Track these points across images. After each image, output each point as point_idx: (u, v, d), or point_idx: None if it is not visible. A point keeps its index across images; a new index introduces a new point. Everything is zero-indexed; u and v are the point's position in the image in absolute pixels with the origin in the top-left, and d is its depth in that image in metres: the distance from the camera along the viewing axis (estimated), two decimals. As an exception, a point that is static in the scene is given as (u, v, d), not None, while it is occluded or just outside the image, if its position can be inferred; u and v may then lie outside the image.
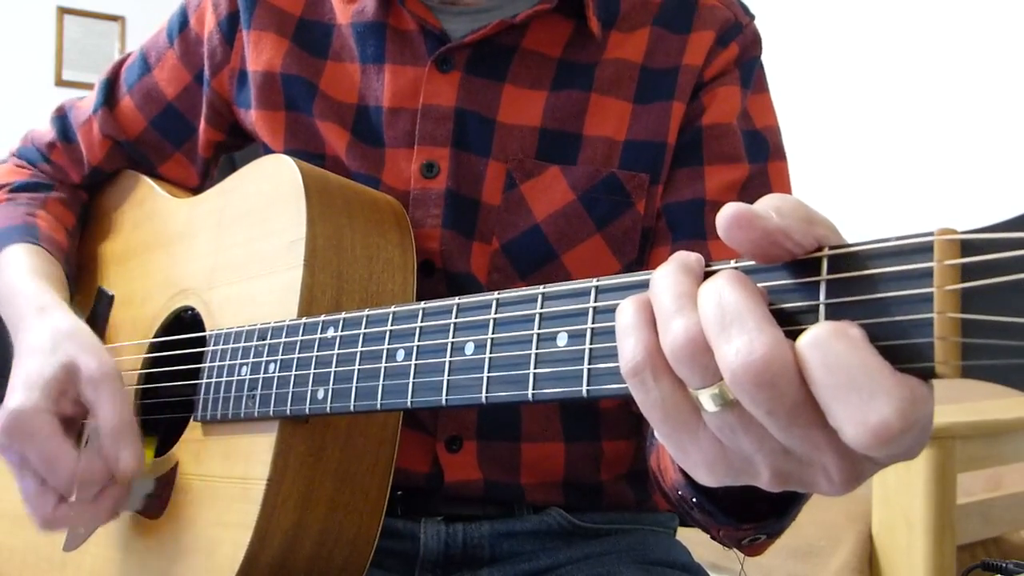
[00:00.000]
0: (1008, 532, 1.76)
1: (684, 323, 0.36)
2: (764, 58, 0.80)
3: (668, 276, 0.38)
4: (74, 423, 0.68)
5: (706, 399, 0.36)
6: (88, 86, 0.92)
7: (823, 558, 1.61)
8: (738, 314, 0.35)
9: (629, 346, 0.38)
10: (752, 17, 0.80)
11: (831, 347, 0.33)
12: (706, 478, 0.40)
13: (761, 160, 0.77)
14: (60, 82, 3.88)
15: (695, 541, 0.87)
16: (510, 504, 0.77)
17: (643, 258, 0.77)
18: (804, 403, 0.34)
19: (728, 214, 0.36)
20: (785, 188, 0.78)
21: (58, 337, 0.70)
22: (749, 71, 0.78)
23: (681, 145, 0.76)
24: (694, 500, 0.55)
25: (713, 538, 0.61)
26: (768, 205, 0.36)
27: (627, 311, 0.39)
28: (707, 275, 0.39)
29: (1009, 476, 1.85)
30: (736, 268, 0.38)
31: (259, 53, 0.80)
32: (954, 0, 2.80)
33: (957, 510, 1.54)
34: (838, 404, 0.33)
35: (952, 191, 2.77)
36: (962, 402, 1.74)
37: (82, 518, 0.66)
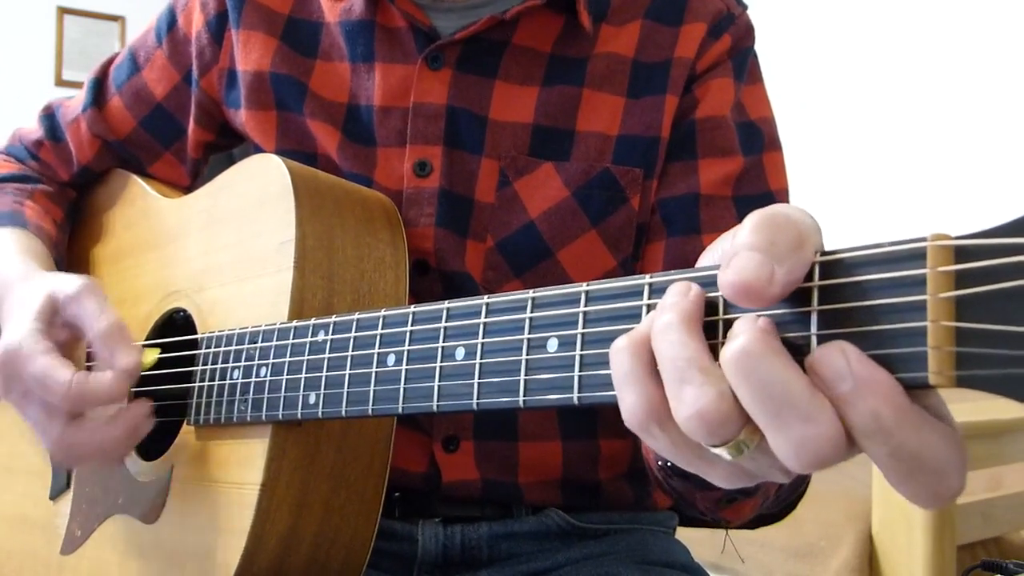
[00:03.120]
0: (1008, 532, 1.75)
1: (695, 397, 0.34)
2: (757, 50, 0.80)
3: (670, 333, 0.36)
4: (75, 347, 0.67)
5: (721, 452, 0.35)
6: (89, 87, 0.92)
7: (823, 558, 1.61)
8: (785, 396, 0.33)
9: (630, 401, 0.37)
10: (744, 7, 0.79)
11: (896, 435, 0.32)
12: (725, 486, 0.39)
13: (756, 152, 0.76)
14: (60, 82, 3.88)
15: (695, 541, 0.87)
16: (508, 504, 0.77)
17: (638, 253, 0.76)
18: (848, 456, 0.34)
19: (734, 291, 0.34)
20: (780, 179, 0.77)
21: (40, 284, 0.69)
22: (742, 62, 0.77)
23: (674, 139, 0.75)
24: (669, 466, 0.55)
25: (699, 513, 0.60)
26: (760, 244, 0.34)
27: (623, 357, 0.37)
28: (708, 306, 0.37)
29: (1009, 476, 1.84)
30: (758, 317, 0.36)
31: (248, 53, 0.80)
32: (952, -2, 2.80)
33: (957, 510, 1.54)
34: (905, 485, 0.33)
35: (947, 193, 2.76)
36: (962, 402, 1.73)
37: (95, 439, 0.64)
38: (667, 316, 0.37)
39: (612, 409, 0.78)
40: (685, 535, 0.86)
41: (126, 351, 0.63)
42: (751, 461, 0.36)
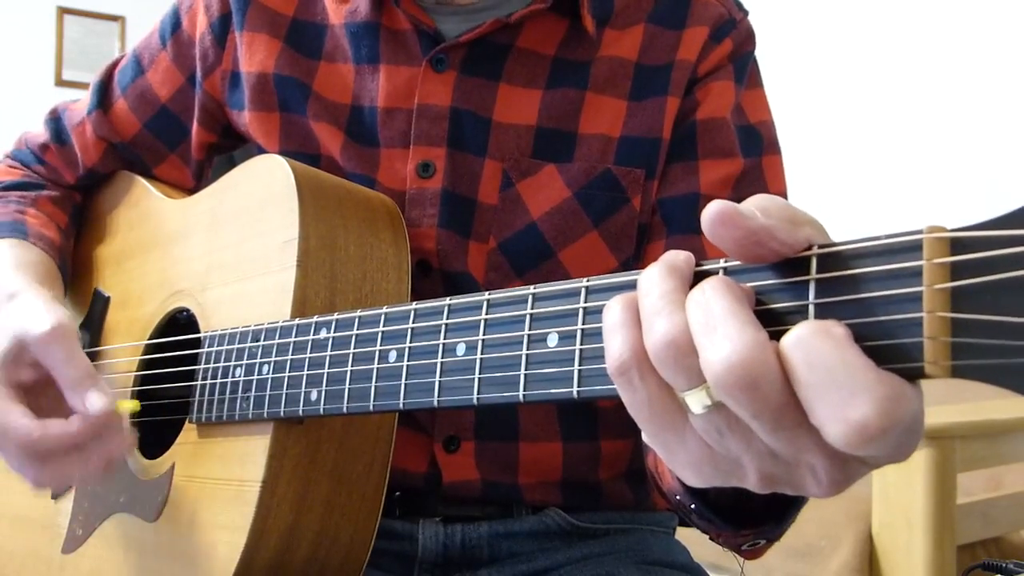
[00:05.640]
0: (1008, 532, 1.75)
1: (667, 324, 0.36)
2: (758, 54, 0.80)
3: (654, 276, 0.38)
4: (45, 388, 0.67)
5: (692, 401, 0.36)
6: (88, 86, 0.92)
7: (823, 558, 1.61)
8: (721, 317, 0.34)
9: (615, 345, 0.38)
10: (746, 13, 0.80)
11: (813, 346, 0.33)
12: (693, 479, 0.39)
13: (755, 154, 0.77)
14: (60, 82, 3.89)
15: (695, 541, 0.87)
16: (508, 504, 0.77)
17: (640, 254, 0.77)
18: (788, 405, 0.34)
19: (712, 211, 0.35)
20: (779, 182, 0.78)
21: (17, 314, 0.69)
22: (743, 66, 0.78)
23: (675, 140, 0.76)
24: (692, 506, 0.55)
25: (712, 540, 0.61)
26: (753, 204, 0.36)
27: (614, 310, 0.39)
28: (698, 275, 0.39)
29: (1009, 476, 1.85)
30: (726, 268, 0.38)
31: (252, 54, 0.80)
32: (946, -1, 2.81)
33: (957, 510, 1.54)
34: (819, 402, 0.33)
35: (942, 188, 2.77)
36: (962, 402, 1.74)
37: (69, 475, 0.65)
38: (652, 267, 0.39)
39: (613, 410, 0.79)
40: (685, 535, 0.86)
41: (96, 395, 0.63)
42: (719, 437, 0.37)
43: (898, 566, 1.53)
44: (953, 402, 1.73)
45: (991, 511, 1.66)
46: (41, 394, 0.67)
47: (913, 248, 0.32)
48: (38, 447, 0.63)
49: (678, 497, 0.57)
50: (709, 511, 0.54)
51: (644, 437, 0.40)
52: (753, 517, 0.54)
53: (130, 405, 0.68)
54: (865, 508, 1.61)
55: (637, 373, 0.37)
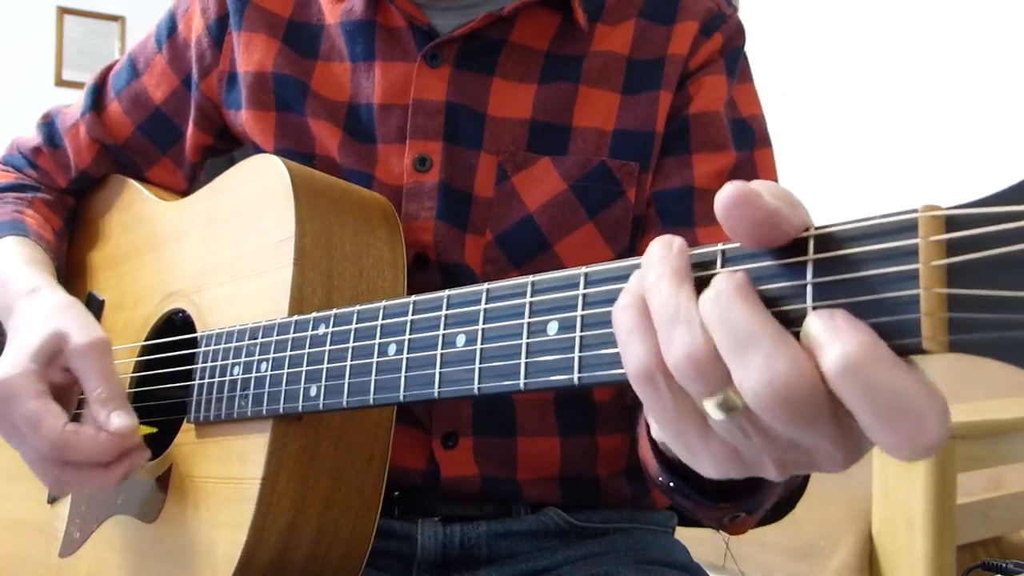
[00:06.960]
0: (1008, 532, 1.75)
1: (685, 338, 0.36)
2: (748, 47, 0.81)
3: (661, 285, 0.38)
4: (67, 392, 0.68)
5: (711, 407, 0.36)
6: (89, 86, 0.93)
7: (823, 558, 1.61)
8: (750, 334, 0.34)
9: (636, 351, 0.38)
10: (735, 8, 0.81)
11: (870, 380, 0.32)
12: (713, 474, 0.39)
13: (747, 148, 0.78)
14: (60, 82, 3.89)
15: (695, 541, 0.87)
16: (507, 502, 0.77)
17: (635, 246, 0.77)
18: (825, 411, 0.34)
19: (728, 192, 0.35)
20: (771, 175, 0.79)
21: (49, 310, 0.70)
22: (734, 60, 0.79)
23: (669, 134, 0.76)
24: (671, 485, 0.55)
25: (692, 518, 0.61)
26: (759, 187, 0.36)
27: (627, 314, 0.39)
28: (696, 263, 0.39)
29: (1009, 476, 1.85)
30: (723, 251, 0.38)
31: (250, 54, 0.81)
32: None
33: (957, 510, 1.54)
34: (876, 428, 0.33)
35: (935, 170, 2.78)
36: (962, 402, 1.74)
37: (90, 481, 0.65)
38: (656, 270, 0.38)
39: (609, 404, 0.79)
40: (685, 535, 0.86)
41: (123, 414, 0.64)
42: (743, 439, 0.37)
43: (898, 566, 1.53)
44: (953, 402, 1.73)
45: (991, 511, 1.66)
46: (65, 397, 0.68)
47: (909, 227, 0.32)
48: (68, 453, 0.63)
49: (660, 479, 0.57)
50: (688, 488, 0.54)
51: (665, 437, 0.40)
52: (731, 490, 0.54)
53: (146, 429, 0.68)
54: (865, 508, 1.61)
55: (663, 378, 0.37)
